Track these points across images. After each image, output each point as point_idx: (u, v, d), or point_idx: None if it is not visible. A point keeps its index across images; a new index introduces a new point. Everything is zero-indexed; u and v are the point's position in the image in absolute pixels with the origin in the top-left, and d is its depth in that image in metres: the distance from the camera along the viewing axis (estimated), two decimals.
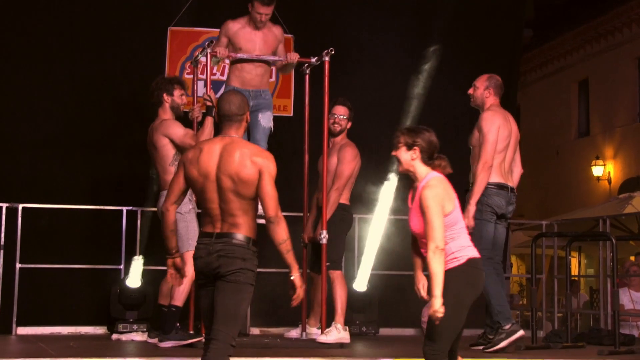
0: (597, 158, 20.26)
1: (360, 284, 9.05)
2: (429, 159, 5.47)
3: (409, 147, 5.46)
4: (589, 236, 8.01)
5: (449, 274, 5.25)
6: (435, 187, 5.35)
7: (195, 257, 5.27)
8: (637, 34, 20.79)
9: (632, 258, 13.06)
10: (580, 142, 21.33)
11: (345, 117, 7.95)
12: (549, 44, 23.26)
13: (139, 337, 8.02)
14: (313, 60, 8.01)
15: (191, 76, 9.01)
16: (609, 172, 20.52)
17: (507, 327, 7.28)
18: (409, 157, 5.48)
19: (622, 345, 7.82)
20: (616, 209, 12.80)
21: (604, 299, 9.91)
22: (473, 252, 5.42)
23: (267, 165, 5.25)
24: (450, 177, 5.50)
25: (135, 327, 8.29)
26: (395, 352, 7.33)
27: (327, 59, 7.86)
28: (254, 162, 5.23)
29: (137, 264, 8.78)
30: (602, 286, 10.17)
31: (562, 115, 21.84)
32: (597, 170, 20.28)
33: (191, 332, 7.60)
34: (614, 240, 8.16)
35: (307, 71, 8.14)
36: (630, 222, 13.36)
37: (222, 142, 5.35)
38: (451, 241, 5.36)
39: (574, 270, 17.30)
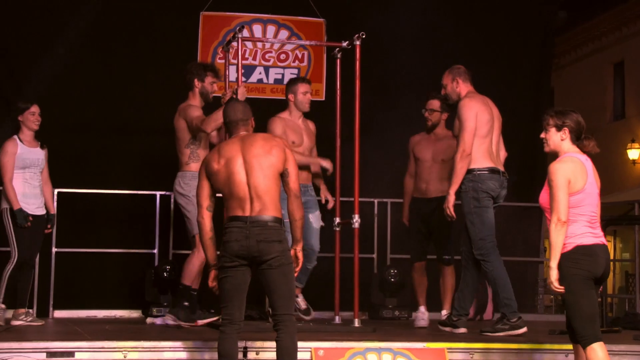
0: (633, 141, 20.06)
1: None
2: (577, 139, 5.62)
3: (559, 128, 5.61)
4: (624, 220, 7.94)
5: (559, 261, 5.41)
6: (565, 163, 5.51)
7: (228, 240, 5.39)
8: None
9: None
10: (615, 125, 21.15)
11: (436, 110, 8.19)
12: (583, 25, 23.02)
13: (172, 320, 8.06)
14: (344, 44, 7.98)
15: (223, 61, 9.02)
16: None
17: (514, 320, 7.35)
18: (558, 138, 5.62)
19: None
20: None
21: None
22: (583, 240, 5.45)
23: (287, 145, 5.64)
24: None
25: (169, 310, 8.33)
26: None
27: (358, 43, 7.82)
28: (276, 141, 5.60)
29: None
30: (638, 270, 10.10)
31: (597, 98, 21.65)
32: (632, 154, 20.09)
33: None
34: None
35: (339, 55, 8.11)
36: None
37: (237, 137, 5.63)
38: (569, 224, 5.46)
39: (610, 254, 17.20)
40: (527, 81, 11.15)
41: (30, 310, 8.21)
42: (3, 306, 7.74)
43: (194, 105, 7.83)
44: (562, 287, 5.33)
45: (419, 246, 8.29)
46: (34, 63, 9.84)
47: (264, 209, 5.44)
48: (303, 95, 8.00)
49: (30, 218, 7.86)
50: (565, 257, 5.41)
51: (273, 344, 5.94)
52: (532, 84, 11.22)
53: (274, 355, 5.99)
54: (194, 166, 7.71)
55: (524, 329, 7.35)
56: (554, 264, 5.38)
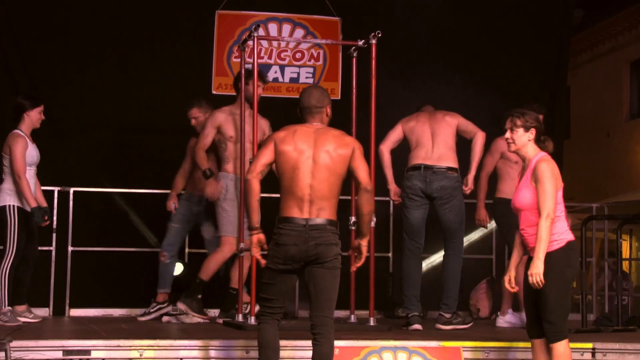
0: None
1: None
2: (539, 140, 5.75)
3: (527, 129, 5.72)
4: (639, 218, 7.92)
5: (550, 256, 5.50)
6: (551, 162, 5.64)
7: (284, 243, 5.33)
8: None
9: None
10: (631, 123, 21.05)
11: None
12: (600, 24, 22.97)
13: (188, 319, 8.07)
14: (360, 42, 7.96)
15: (239, 60, 9.01)
16: None
17: (409, 314, 7.82)
18: (526, 139, 5.72)
19: None
20: None
21: None
22: (570, 235, 5.63)
23: (357, 142, 5.58)
24: None
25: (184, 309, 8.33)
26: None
27: (374, 41, 7.80)
28: (347, 141, 5.53)
29: (179, 266, 8.96)
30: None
31: (613, 97, 21.59)
32: None
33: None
34: None
35: (355, 54, 8.09)
36: None
37: (312, 127, 5.55)
38: (555, 221, 5.57)
39: (625, 254, 17.13)
40: (543, 80, 11.10)
41: (29, 307, 8.18)
42: (9, 308, 7.63)
43: (215, 116, 8.06)
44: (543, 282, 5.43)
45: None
46: (50, 61, 9.86)
47: (322, 212, 5.40)
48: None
49: (47, 217, 7.91)
50: (558, 254, 5.53)
51: (291, 342, 5.96)
52: (548, 83, 11.18)
53: (293, 353, 6.01)
54: (229, 167, 7.97)
55: (414, 326, 7.69)
56: (541, 255, 5.46)
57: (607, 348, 6.64)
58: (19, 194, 7.69)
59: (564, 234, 5.61)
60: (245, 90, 7.90)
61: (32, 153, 7.82)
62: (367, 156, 7.61)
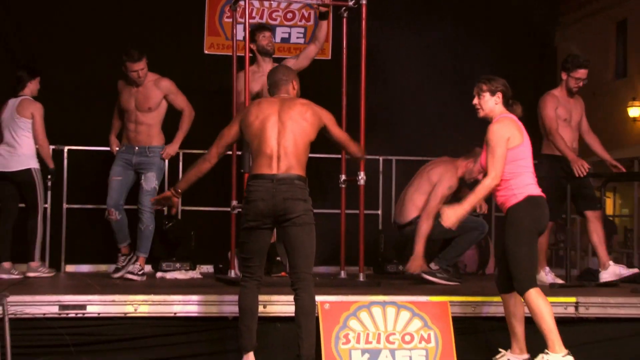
0: (634, 99, 19.98)
1: None
2: (507, 104, 5.81)
3: (493, 93, 5.81)
4: (624, 176, 7.95)
5: (510, 211, 5.64)
6: (501, 122, 5.69)
7: (253, 199, 5.40)
8: None
9: None
10: (617, 83, 21.03)
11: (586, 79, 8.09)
12: None
13: (181, 275, 8.14)
14: (350, 2, 7.93)
15: (230, 20, 9.00)
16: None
17: None
18: (492, 103, 5.81)
19: None
20: None
21: (638, 238, 9.88)
22: (533, 190, 5.68)
23: (326, 112, 5.69)
24: None
25: (178, 265, 8.39)
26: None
27: (364, 1, 7.79)
28: (315, 109, 5.64)
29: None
30: (637, 226, 10.13)
31: (599, 57, 21.51)
32: (633, 112, 20.01)
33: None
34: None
35: (345, 14, 8.06)
36: None
37: (279, 97, 5.69)
38: (513, 178, 5.66)
39: (609, 210, 17.20)
40: (532, 41, 11.10)
41: (44, 262, 8.36)
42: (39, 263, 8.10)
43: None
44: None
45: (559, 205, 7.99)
46: (45, 25, 9.82)
47: (291, 168, 5.46)
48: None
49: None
50: (517, 208, 5.66)
51: (281, 297, 6.01)
52: (537, 43, 11.18)
53: (279, 307, 6.07)
54: None
55: None
56: (467, 206, 5.68)
57: (590, 302, 6.70)
58: (38, 156, 8.03)
59: (524, 189, 5.65)
60: (257, 47, 8.05)
61: None
62: (357, 114, 7.71)
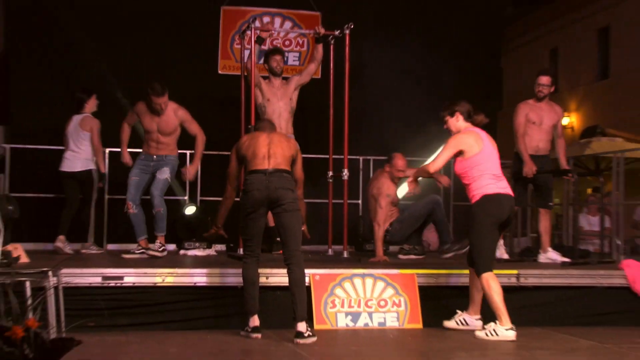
0: (564, 110, 20.08)
1: None
2: (469, 117, 5.80)
3: (452, 114, 5.81)
4: (555, 172, 7.96)
5: (471, 209, 5.66)
6: (461, 135, 5.71)
7: (250, 190, 5.42)
8: (597, 9, 20.54)
9: (589, 190, 13.01)
10: (550, 97, 21.12)
11: (547, 85, 7.95)
12: (526, 17, 22.98)
13: (200, 252, 8.10)
14: (336, 32, 7.92)
15: (239, 46, 8.95)
16: (573, 122, 20.39)
17: None
18: (455, 121, 5.81)
19: (580, 258, 7.85)
20: (578, 151, 12.71)
21: (567, 222, 9.88)
22: (487, 190, 5.62)
23: (300, 153, 5.82)
24: None
25: (197, 244, 8.35)
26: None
27: (347, 32, 7.77)
28: (295, 143, 5.86)
29: (190, 208, 9.04)
30: (565, 212, 10.13)
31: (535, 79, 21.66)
32: (563, 121, 20.11)
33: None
34: (575, 176, 8.11)
35: (332, 42, 8.04)
36: (588, 161, 13.27)
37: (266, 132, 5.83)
38: (473, 181, 5.66)
39: None
40: (481, 63, 11.09)
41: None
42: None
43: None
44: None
45: (522, 196, 7.89)
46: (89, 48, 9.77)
47: (279, 164, 5.51)
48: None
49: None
50: (475, 206, 5.66)
51: (280, 270, 5.98)
52: (485, 65, 11.18)
53: (279, 278, 6.04)
54: None
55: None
56: (413, 173, 6.12)
57: (528, 274, 6.69)
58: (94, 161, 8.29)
59: (481, 190, 5.63)
60: (269, 69, 8.07)
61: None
62: (342, 123, 7.68)
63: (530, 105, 7.88)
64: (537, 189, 7.90)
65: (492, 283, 5.57)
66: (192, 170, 7.77)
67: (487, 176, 5.66)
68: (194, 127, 7.73)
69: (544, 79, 7.90)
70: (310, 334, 5.37)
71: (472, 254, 5.71)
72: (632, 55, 19.26)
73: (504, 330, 5.52)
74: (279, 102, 7.91)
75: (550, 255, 7.76)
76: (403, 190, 8.63)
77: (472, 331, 5.86)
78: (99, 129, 8.21)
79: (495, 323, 5.59)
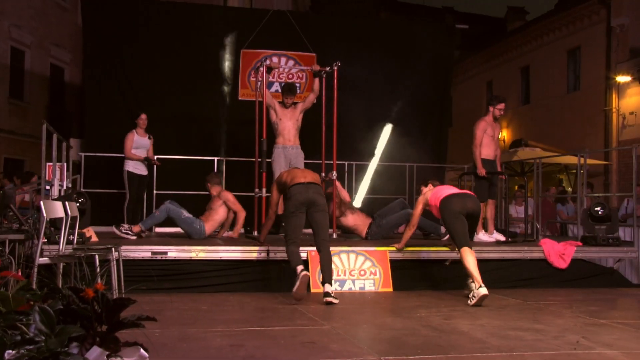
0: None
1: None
2: (433, 185, 6.23)
3: (426, 185, 6.28)
4: (492, 173, 7.96)
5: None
6: (426, 194, 6.05)
7: (295, 194, 5.50)
8: (520, 53, 20.59)
9: (516, 187, 13.04)
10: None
11: (504, 109, 7.77)
12: (470, 58, 23.00)
13: (224, 234, 8.04)
14: (327, 69, 7.90)
15: (254, 79, 8.91)
16: (504, 136, 20.42)
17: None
18: (427, 189, 6.14)
19: (510, 238, 7.83)
20: (508, 157, 12.72)
21: (500, 211, 9.87)
22: (443, 195, 5.77)
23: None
24: None
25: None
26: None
27: (335, 68, 7.75)
28: (318, 176, 5.88)
29: None
30: (499, 203, 10.11)
31: (477, 103, 21.69)
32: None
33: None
34: (506, 176, 8.11)
35: (324, 75, 8.02)
36: (516, 165, 13.29)
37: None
38: (436, 205, 5.85)
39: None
40: (436, 92, 11.07)
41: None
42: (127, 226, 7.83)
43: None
44: None
45: (484, 191, 7.69)
46: (143, 80, 9.74)
47: (313, 180, 5.67)
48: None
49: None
50: (440, 211, 5.75)
51: (282, 248, 5.97)
52: (440, 93, 11.16)
53: (284, 254, 6.02)
54: (279, 140, 7.90)
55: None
56: (405, 237, 6.33)
57: (475, 250, 6.62)
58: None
59: (439, 201, 5.74)
60: (283, 98, 7.87)
61: (139, 142, 8.34)
62: (331, 138, 7.64)
63: (488, 122, 7.84)
64: (490, 187, 7.87)
65: (467, 255, 5.53)
66: (236, 234, 7.68)
67: (444, 196, 5.79)
68: (237, 207, 7.62)
69: (504, 105, 7.84)
70: (334, 295, 5.36)
71: (452, 237, 5.74)
72: (546, 86, 19.38)
73: (477, 289, 5.44)
74: (288, 121, 7.88)
75: (496, 236, 7.75)
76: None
77: (439, 294, 5.91)
78: (131, 141, 8.32)
79: (472, 282, 5.53)
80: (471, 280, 5.60)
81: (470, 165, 8.13)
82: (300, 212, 5.50)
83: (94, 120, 9.68)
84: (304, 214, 5.54)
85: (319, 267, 6.00)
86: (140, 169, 8.37)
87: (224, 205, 7.60)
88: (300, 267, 5.35)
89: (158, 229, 8.85)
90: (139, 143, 8.35)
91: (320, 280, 5.59)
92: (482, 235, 7.60)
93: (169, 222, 7.50)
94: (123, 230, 7.20)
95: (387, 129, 9.42)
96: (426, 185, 6.32)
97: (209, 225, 7.44)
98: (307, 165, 7.82)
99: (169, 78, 9.79)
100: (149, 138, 8.49)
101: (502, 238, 7.64)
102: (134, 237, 7.12)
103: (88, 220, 6.90)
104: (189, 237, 7.34)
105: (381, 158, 9.52)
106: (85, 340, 2.52)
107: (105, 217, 8.44)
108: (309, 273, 5.30)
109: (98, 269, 4.33)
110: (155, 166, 8.66)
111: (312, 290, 5.94)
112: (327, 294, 5.33)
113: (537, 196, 8.88)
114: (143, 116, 8.39)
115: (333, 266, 6.12)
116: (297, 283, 5.25)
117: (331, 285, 5.40)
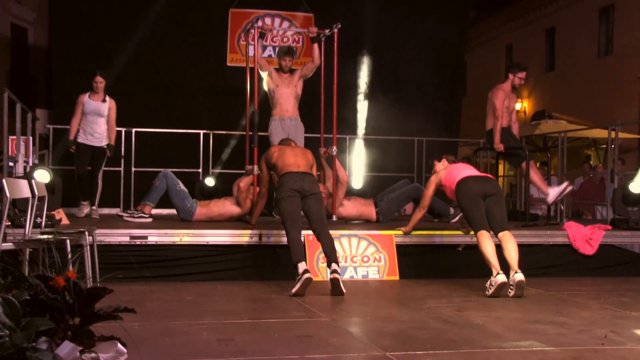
0: (517, 97, 20.07)
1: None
2: (448, 160, 6.20)
3: (440, 160, 6.19)
4: (511, 148, 7.95)
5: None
6: (439, 173, 6.01)
7: (289, 180, 5.54)
8: (545, 13, 20.50)
9: (538, 164, 13.04)
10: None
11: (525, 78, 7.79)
12: (486, 19, 22.91)
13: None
14: (326, 31, 7.83)
15: (245, 43, 8.87)
16: (525, 107, 20.39)
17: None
18: (441, 166, 6.12)
19: (530, 221, 7.83)
20: (529, 131, 12.71)
21: (520, 191, 9.89)
22: (459, 178, 5.78)
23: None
24: None
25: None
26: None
27: (335, 30, 7.69)
28: (311, 154, 5.98)
29: (209, 179, 8.85)
30: (519, 182, 10.14)
31: (494, 70, 21.63)
32: (517, 106, 20.12)
33: None
34: (527, 152, 8.09)
35: (323, 38, 7.95)
36: (537, 140, 13.29)
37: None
38: (451, 186, 5.83)
39: (500, 172, 17.24)
40: (449, 58, 11.04)
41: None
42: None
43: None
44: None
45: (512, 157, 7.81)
46: (118, 43, 9.69)
47: (308, 169, 5.72)
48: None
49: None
50: (455, 194, 5.75)
51: (276, 231, 5.98)
52: (452, 60, 11.12)
53: (277, 238, 6.04)
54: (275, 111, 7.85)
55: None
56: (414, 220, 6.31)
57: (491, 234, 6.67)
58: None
59: (455, 183, 5.74)
60: (280, 62, 7.86)
61: (90, 106, 7.68)
62: (331, 108, 7.61)
63: (506, 91, 7.76)
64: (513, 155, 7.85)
65: (482, 240, 5.51)
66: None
67: (460, 174, 5.80)
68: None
69: (525, 74, 7.78)
70: (340, 272, 5.37)
71: (469, 222, 5.75)
72: (574, 51, 19.26)
73: (495, 277, 5.43)
74: (286, 89, 7.83)
75: (555, 190, 7.56)
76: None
77: (450, 284, 5.92)
78: (81, 104, 7.74)
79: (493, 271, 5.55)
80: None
81: (484, 141, 8.10)
82: (295, 197, 5.51)
83: (63, 88, 9.65)
84: (300, 199, 5.55)
85: (317, 251, 6.02)
86: (91, 139, 7.69)
87: (237, 204, 7.47)
88: (302, 266, 5.27)
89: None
90: (90, 108, 7.64)
91: (324, 263, 5.62)
92: (552, 192, 7.52)
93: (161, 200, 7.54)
94: (135, 216, 7.24)
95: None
96: (440, 161, 6.24)
97: (203, 211, 7.43)
98: (305, 140, 7.80)
99: (147, 41, 9.74)
100: (103, 101, 7.71)
101: (563, 186, 7.52)
102: (150, 219, 7.26)
103: (58, 201, 6.89)
104: (177, 213, 7.42)
105: (386, 131, 9.51)
106: (55, 335, 2.53)
107: (77, 197, 8.45)
108: (312, 276, 5.25)
109: (70, 255, 4.32)
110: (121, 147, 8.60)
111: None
112: (334, 271, 5.28)
113: (562, 174, 8.87)
114: (97, 79, 7.64)
115: None
116: (298, 285, 5.18)
117: (338, 265, 5.37)
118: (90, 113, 7.67)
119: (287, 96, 7.80)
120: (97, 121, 7.69)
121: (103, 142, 7.77)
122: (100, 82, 7.68)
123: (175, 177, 7.51)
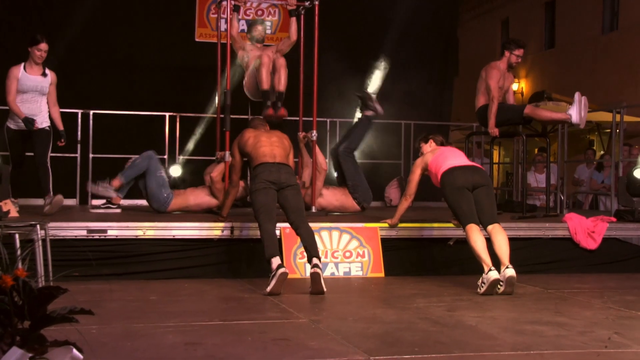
0: (514, 77, 20.18)
1: None
2: (435, 141, 6.21)
3: (426, 141, 6.22)
4: (506, 134, 7.99)
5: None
6: (424, 157, 6.07)
7: (264, 170, 5.59)
8: None
9: (536, 150, 13.13)
10: None
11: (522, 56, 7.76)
12: None
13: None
14: (307, 3, 7.79)
15: (215, 16, 8.81)
16: (522, 87, 20.51)
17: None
18: (428, 147, 6.16)
19: (528, 212, 7.89)
20: None
21: (516, 179, 9.96)
22: (445, 169, 5.83)
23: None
24: None
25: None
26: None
27: (317, 2, 7.65)
28: (287, 139, 6.04)
29: (175, 168, 8.81)
30: (515, 170, 10.20)
31: (489, 46, 21.70)
32: (513, 86, 20.25)
33: None
34: (524, 137, 8.14)
35: (302, 12, 7.92)
36: (535, 124, 13.35)
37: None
38: (437, 172, 5.92)
39: (495, 159, 17.38)
40: (440, 34, 11.06)
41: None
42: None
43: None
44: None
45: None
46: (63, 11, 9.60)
47: (284, 160, 5.76)
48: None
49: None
50: (440, 184, 5.85)
51: (250, 224, 5.99)
52: (443, 36, 11.15)
53: (252, 231, 6.04)
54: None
55: None
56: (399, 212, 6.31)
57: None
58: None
59: (440, 174, 5.80)
60: (251, 34, 7.84)
61: (27, 81, 6.74)
62: (311, 87, 7.60)
63: (502, 70, 7.76)
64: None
65: (472, 234, 5.56)
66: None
67: (445, 165, 5.83)
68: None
69: (523, 52, 7.77)
70: (321, 267, 5.41)
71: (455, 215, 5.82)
72: (576, 27, 19.37)
73: (487, 274, 5.45)
74: (265, 58, 7.77)
75: (575, 108, 7.46)
76: None
77: (440, 281, 5.96)
78: (15, 79, 6.76)
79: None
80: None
81: (478, 125, 8.14)
82: (270, 189, 5.53)
83: (7, 60, 9.49)
84: (275, 191, 5.56)
85: (294, 245, 6.02)
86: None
87: (212, 195, 7.48)
88: (276, 261, 5.28)
89: (95, 201, 8.83)
90: (28, 84, 6.72)
91: (302, 259, 5.64)
92: (572, 112, 7.43)
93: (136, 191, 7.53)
94: (101, 186, 7.24)
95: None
96: (427, 142, 6.23)
97: (178, 201, 7.42)
98: (282, 124, 7.78)
99: (105, 12, 9.63)
100: (44, 75, 6.81)
101: (576, 99, 7.49)
102: (114, 195, 7.33)
103: (7, 191, 6.81)
104: (149, 203, 7.44)
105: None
106: (1, 340, 2.51)
107: (29, 187, 8.35)
108: (287, 270, 5.25)
109: (19, 251, 4.28)
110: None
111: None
112: (315, 265, 5.31)
113: (562, 161, 8.95)
114: (42, 46, 6.69)
115: None
116: (273, 282, 5.19)
117: (319, 259, 5.38)
118: (29, 90, 6.74)
119: (267, 65, 7.76)
120: (37, 100, 6.80)
121: (44, 124, 6.89)
122: (45, 50, 6.71)
123: (160, 163, 7.54)
